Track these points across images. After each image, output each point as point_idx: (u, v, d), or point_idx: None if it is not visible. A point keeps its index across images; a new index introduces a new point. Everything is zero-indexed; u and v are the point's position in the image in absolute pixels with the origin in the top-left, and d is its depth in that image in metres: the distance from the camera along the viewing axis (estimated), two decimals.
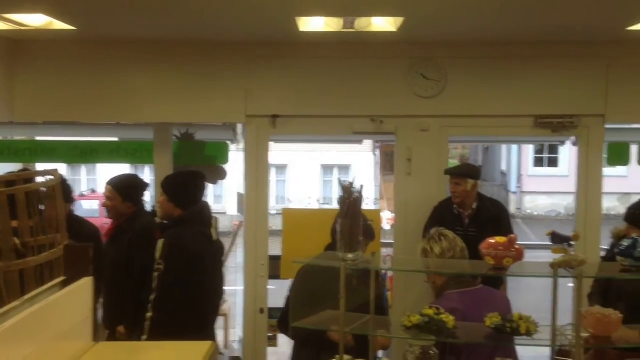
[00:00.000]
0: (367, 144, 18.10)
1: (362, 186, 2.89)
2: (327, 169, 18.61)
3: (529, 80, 5.60)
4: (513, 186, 21.88)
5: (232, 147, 6.44)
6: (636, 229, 4.14)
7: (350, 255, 2.84)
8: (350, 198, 2.80)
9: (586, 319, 2.74)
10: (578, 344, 2.57)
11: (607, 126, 5.77)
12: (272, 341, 5.87)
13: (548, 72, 5.59)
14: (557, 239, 2.72)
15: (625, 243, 2.73)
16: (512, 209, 21.73)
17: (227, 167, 6.24)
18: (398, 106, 5.64)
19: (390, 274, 6.01)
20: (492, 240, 2.73)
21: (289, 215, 6.09)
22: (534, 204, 21.23)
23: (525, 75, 5.59)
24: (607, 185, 6.35)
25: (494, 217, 5.29)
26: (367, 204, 17.70)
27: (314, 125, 5.80)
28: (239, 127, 6.19)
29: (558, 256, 2.70)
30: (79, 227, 4.96)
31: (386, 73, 5.63)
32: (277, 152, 16.33)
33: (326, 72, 5.64)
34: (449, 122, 5.68)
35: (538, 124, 5.65)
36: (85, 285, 2.77)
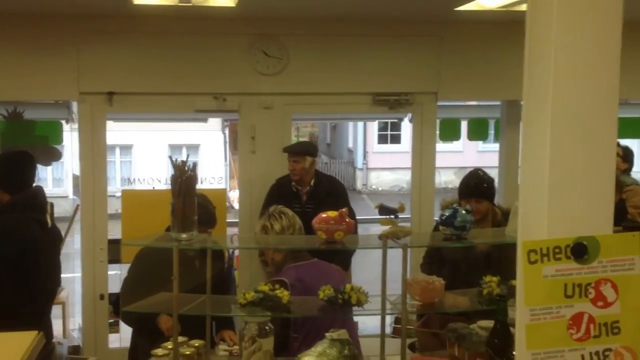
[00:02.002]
0: (216, 122, 17.88)
1: (195, 164, 2.83)
2: (175, 148, 18.19)
3: (367, 59, 5.74)
4: (359, 163, 22.65)
5: (67, 127, 6.09)
6: (481, 201, 4.12)
7: (184, 235, 2.77)
8: (182, 176, 2.73)
9: (412, 287, 2.88)
10: (404, 310, 2.69)
11: (440, 103, 6.06)
12: (114, 327, 5.67)
13: (384, 51, 5.76)
14: (385, 212, 2.82)
15: (447, 213, 2.87)
16: (358, 185, 22.48)
17: (64, 147, 5.89)
18: (241, 83, 5.58)
19: (237, 253, 6.00)
20: (323, 215, 2.78)
21: (128, 196, 5.87)
22: (379, 180, 22.12)
23: (363, 53, 5.73)
24: (444, 160, 6.72)
25: (330, 193, 5.39)
26: (212, 183, 17.57)
27: (154, 102, 5.61)
28: (74, 105, 5.85)
29: (386, 228, 2.80)
30: None
31: (228, 50, 5.55)
32: (121, 131, 15.71)
33: (166, 48, 5.46)
34: (291, 100, 5.71)
35: (376, 101, 5.83)
36: None
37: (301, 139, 15.13)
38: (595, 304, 1.66)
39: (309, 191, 5.36)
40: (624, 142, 6.10)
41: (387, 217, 2.83)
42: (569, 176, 1.67)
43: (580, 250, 1.65)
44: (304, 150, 5.42)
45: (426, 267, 4.25)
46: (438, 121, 6.38)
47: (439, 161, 6.34)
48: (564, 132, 1.66)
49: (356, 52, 5.73)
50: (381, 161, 21.73)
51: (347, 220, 2.83)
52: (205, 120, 7.01)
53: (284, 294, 2.80)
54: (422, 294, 2.91)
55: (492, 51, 5.78)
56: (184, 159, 2.87)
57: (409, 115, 6.37)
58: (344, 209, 2.87)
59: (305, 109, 5.95)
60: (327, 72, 5.70)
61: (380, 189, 21.64)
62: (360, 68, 5.74)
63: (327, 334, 2.77)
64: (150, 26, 5.33)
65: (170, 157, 2.83)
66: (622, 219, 4.55)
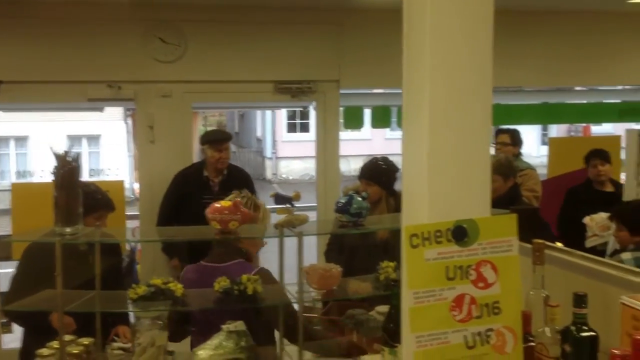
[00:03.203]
0: (118, 111, 17.29)
1: (78, 154, 2.69)
2: (74, 139, 17.49)
3: (268, 46, 5.69)
4: (269, 152, 22.55)
5: None
6: (371, 184, 4.25)
7: (68, 229, 2.63)
8: (64, 168, 2.59)
9: (310, 275, 2.86)
10: (300, 299, 2.67)
11: (342, 91, 6.09)
12: (6, 327, 5.38)
13: (285, 38, 5.73)
14: (280, 200, 2.78)
15: (343, 200, 2.86)
16: (268, 174, 22.38)
17: None
18: (136, 71, 5.41)
19: (139, 246, 5.82)
20: (217, 205, 2.70)
21: (19, 190, 5.58)
22: (289, 169, 22.11)
23: (264, 41, 5.67)
24: (353, 148, 6.75)
25: (242, 183, 5.32)
26: (109, 175, 17.06)
27: (45, 91, 5.35)
28: None
29: (283, 216, 2.76)
30: None
31: (122, 36, 5.36)
32: (15, 122, 14.94)
33: (57, 35, 5.22)
34: (191, 88, 5.58)
35: (278, 89, 5.79)
36: None
37: (209, 129, 14.91)
38: (476, 285, 1.69)
39: (221, 181, 5.24)
40: (523, 129, 6.31)
41: (283, 205, 2.79)
42: (447, 162, 1.69)
43: (460, 233, 1.67)
44: (228, 136, 5.35)
45: (328, 254, 4.27)
46: (341, 109, 6.40)
47: (348, 149, 6.39)
48: (441, 120, 1.69)
49: (257, 40, 5.66)
50: (291, 150, 21.71)
51: (242, 209, 2.77)
52: (101, 109, 6.74)
53: (177, 287, 2.71)
54: (320, 281, 2.90)
55: (393, 39, 5.79)
56: (68, 149, 2.73)
57: (314, 103, 6.37)
58: (238, 199, 2.81)
59: (205, 97, 5.83)
60: (227, 60, 5.60)
61: (290, 177, 21.64)
62: (261, 56, 5.68)
63: (223, 327, 2.71)
64: (40, 12, 5.08)
65: (51, 148, 2.68)
66: (516, 202, 4.70)
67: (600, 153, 5.66)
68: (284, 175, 21.93)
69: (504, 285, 1.70)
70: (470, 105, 1.68)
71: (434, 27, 1.67)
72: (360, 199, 2.89)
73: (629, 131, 4.63)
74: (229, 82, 5.68)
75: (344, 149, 6.35)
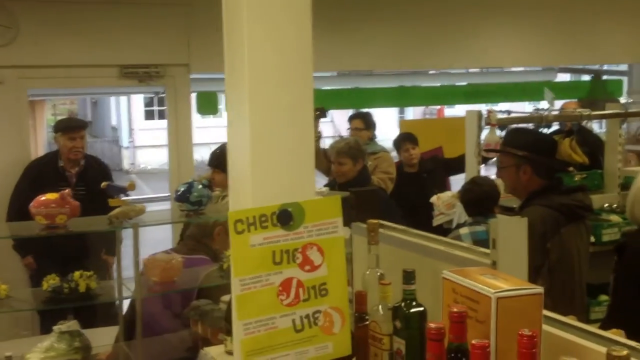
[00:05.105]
0: None
1: None
2: None
3: (112, 28, 5.41)
4: (125, 141, 21.70)
5: None
6: (218, 172, 4.13)
7: None
8: None
9: (149, 268, 2.75)
10: (138, 293, 2.56)
11: (195, 76, 5.92)
12: None
13: (131, 20, 5.47)
14: (114, 191, 2.65)
15: (182, 188, 2.77)
16: (125, 164, 21.55)
17: None
18: None
19: None
20: (42, 198, 2.52)
21: None
22: (148, 158, 21.41)
23: (107, 22, 5.39)
24: (219, 135, 6.57)
25: (100, 174, 5.06)
26: None
27: None
28: None
29: (117, 208, 2.63)
30: None
31: None
32: None
33: None
34: (26, 73, 5.21)
35: (124, 74, 5.54)
36: None
37: (59, 118, 14.07)
38: (303, 269, 1.67)
39: (78, 172, 4.95)
40: (379, 112, 6.45)
41: (117, 195, 2.65)
42: (270, 146, 1.67)
43: (285, 217, 1.64)
44: (83, 123, 5.05)
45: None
46: (194, 95, 6.24)
47: (207, 137, 6.24)
48: (261, 104, 1.66)
49: (99, 21, 5.37)
50: (149, 138, 21.00)
51: (71, 202, 2.60)
52: None
53: (1, 288, 2.51)
54: (161, 274, 2.80)
55: None
56: None
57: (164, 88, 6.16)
58: (66, 190, 2.63)
59: (43, 83, 5.46)
60: (66, 43, 5.28)
61: (149, 167, 20.96)
62: (104, 38, 5.40)
63: (54, 327, 2.54)
64: None
65: None
66: (366, 185, 4.79)
67: (410, 137, 5.92)
68: (142, 165, 21.21)
69: (331, 267, 1.70)
70: (291, 89, 1.66)
71: (251, 10, 1.63)
72: (201, 186, 2.81)
73: (469, 112, 4.83)
74: (68, 66, 5.35)
75: (204, 136, 6.21)
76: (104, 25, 5.38)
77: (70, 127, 4.96)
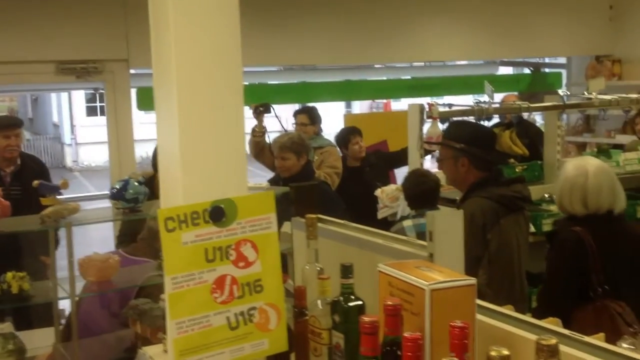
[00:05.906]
0: None
1: None
2: None
3: (47, 22, 5.26)
4: (67, 138, 21.15)
5: None
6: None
7: None
8: None
9: (85, 268, 2.68)
10: (72, 294, 2.49)
11: (135, 71, 5.80)
12: None
13: (67, 14, 5.33)
14: (46, 190, 2.56)
15: (117, 186, 2.70)
16: (68, 162, 21.02)
17: None
18: None
19: None
20: None
21: None
22: (91, 155, 20.92)
23: (42, 16, 5.24)
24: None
25: (37, 173, 4.89)
26: None
27: None
28: None
29: (50, 207, 2.54)
30: None
31: None
32: None
33: None
34: None
35: (61, 70, 5.39)
36: None
37: None
38: (237, 265, 1.64)
39: (14, 171, 4.79)
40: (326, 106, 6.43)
41: (50, 194, 2.57)
42: (200, 142, 1.65)
43: (218, 214, 1.61)
44: (18, 121, 4.87)
45: (119, 245, 4.05)
46: (134, 90, 6.11)
47: (152, 133, 6.10)
48: (190, 100, 1.64)
49: (34, 15, 5.21)
50: (92, 135, 20.50)
51: (3, 201, 2.51)
52: None
53: None
54: (97, 273, 2.72)
55: None
56: None
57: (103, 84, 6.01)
58: None
59: None
60: (0, 38, 5.09)
61: (93, 164, 20.49)
62: (39, 33, 5.24)
63: None
64: None
65: None
66: (310, 179, 4.77)
67: (358, 130, 5.92)
68: (85, 163, 20.72)
69: (265, 263, 1.67)
70: (221, 84, 1.63)
71: (177, 4, 1.59)
72: (137, 183, 2.74)
73: (411, 105, 4.86)
74: (3, 62, 5.18)
75: (148, 132, 6.08)
76: (39, 19, 5.23)
77: (4, 125, 4.80)
